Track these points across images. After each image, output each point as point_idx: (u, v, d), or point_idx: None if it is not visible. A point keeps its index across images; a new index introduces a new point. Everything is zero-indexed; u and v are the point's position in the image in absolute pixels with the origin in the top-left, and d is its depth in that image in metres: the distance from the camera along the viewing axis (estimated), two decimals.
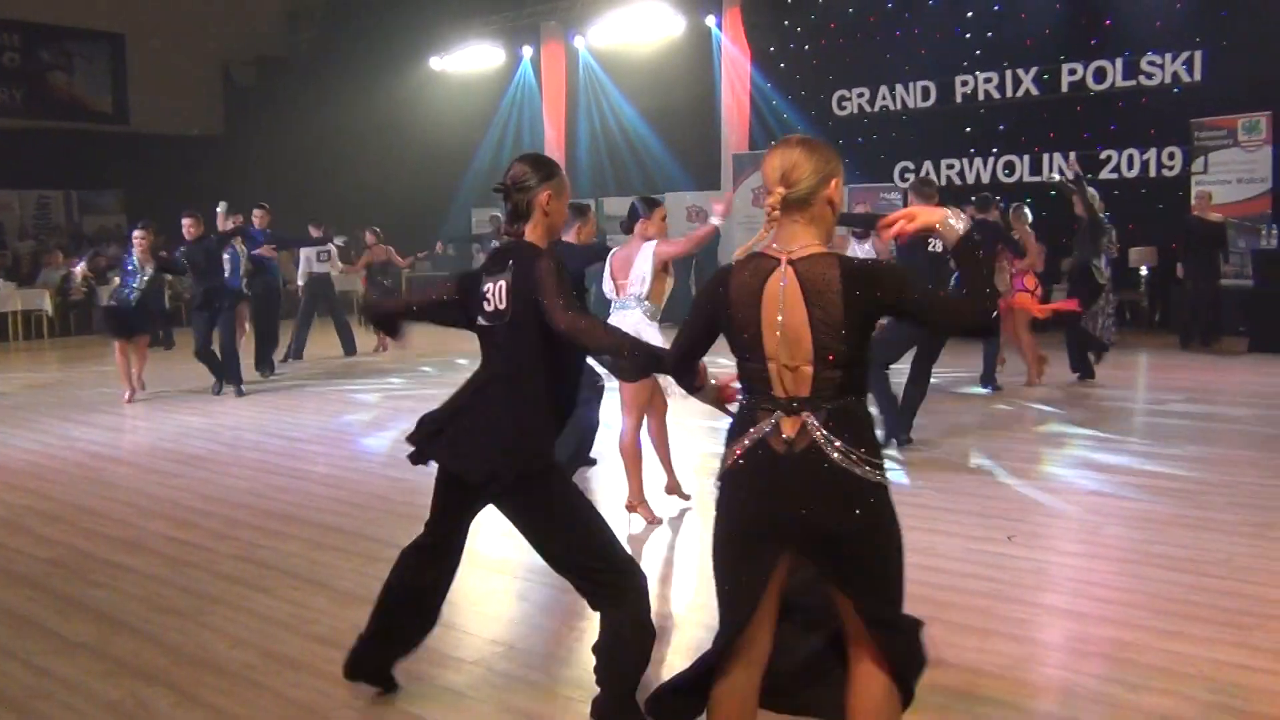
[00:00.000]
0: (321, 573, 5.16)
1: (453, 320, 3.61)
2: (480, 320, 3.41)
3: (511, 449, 3.28)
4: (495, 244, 3.33)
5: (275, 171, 20.21)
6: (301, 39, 25.16)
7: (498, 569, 5.14)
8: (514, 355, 3.34)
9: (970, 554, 5.13)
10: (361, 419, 9.53)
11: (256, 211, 12.44)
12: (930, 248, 7.43)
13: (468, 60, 21.73)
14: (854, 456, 2.55)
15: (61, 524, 6.20)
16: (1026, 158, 15.81)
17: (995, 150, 16.08)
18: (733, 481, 2.67)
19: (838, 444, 2.55)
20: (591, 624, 4.34)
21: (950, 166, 16.39)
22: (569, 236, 6.09)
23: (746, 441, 2.64)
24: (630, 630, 3.30)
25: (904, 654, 2.70)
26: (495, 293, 3.33)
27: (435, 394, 10.56)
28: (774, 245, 2.67)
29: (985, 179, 16.02)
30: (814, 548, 2.61)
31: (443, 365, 12.87)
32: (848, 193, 16.46)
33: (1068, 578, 4.88)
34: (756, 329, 2.62)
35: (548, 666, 4.04)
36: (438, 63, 22.00)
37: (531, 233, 3.37)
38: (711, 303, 2.76)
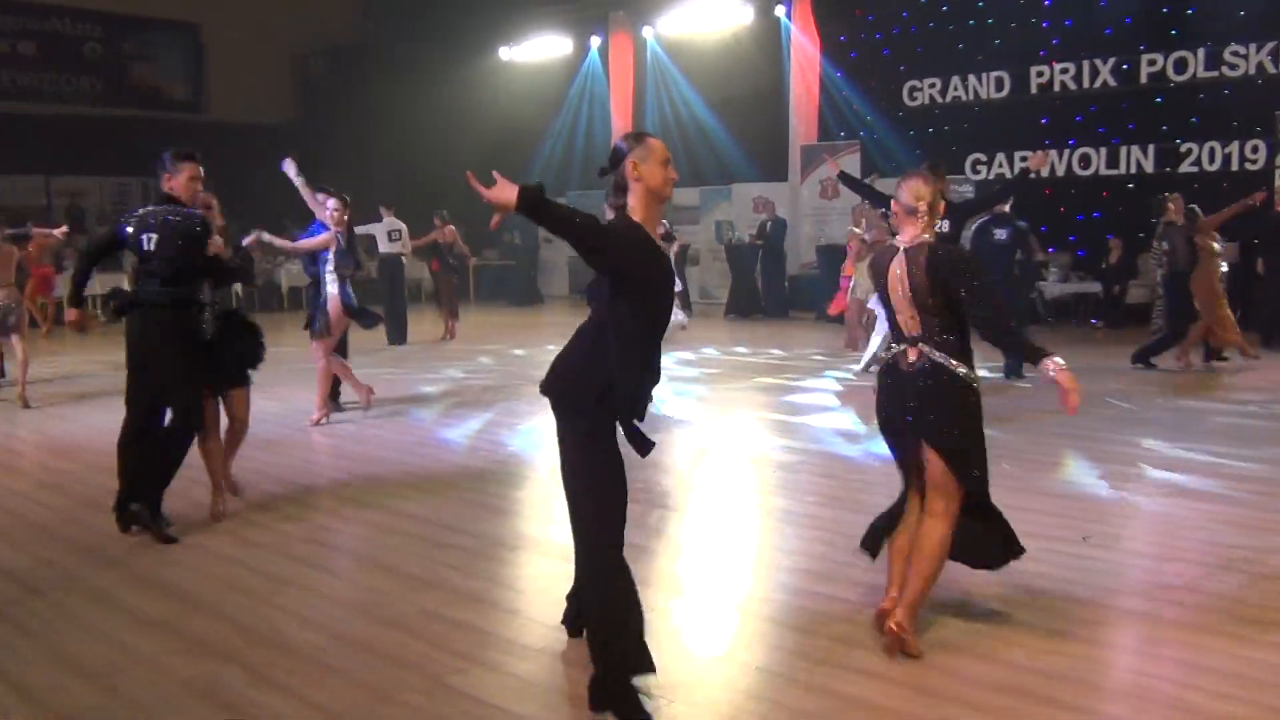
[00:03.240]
0: (389, 557, 5.23)
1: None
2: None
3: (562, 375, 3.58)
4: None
5: (347, 159, 20.44)
6: (372, 29, 25.44)
7: (564, 556, 5.12)
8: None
9: (1045, 553, 5.03)
10: (429, 406, 9.64)
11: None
12: (995, 237, 7.45)
13: (536, 50, 21.84)
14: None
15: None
16: (1103, 150, 15.49)
17: (1071, 142, 15.78)
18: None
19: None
20: (658, 614, 4.35)
21: (1024, 158, 16.07)
22: None
23: None
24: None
25: None
26: None
27: (502, 382, 10.70)
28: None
29: (1060, 172, 15.74)
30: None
31: (501, 356, 12.97)
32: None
33: (1143, 580, 4.78)
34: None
35: None
36: (507, 52, 22.14)
37: (632, 200, 3.50)
38: None
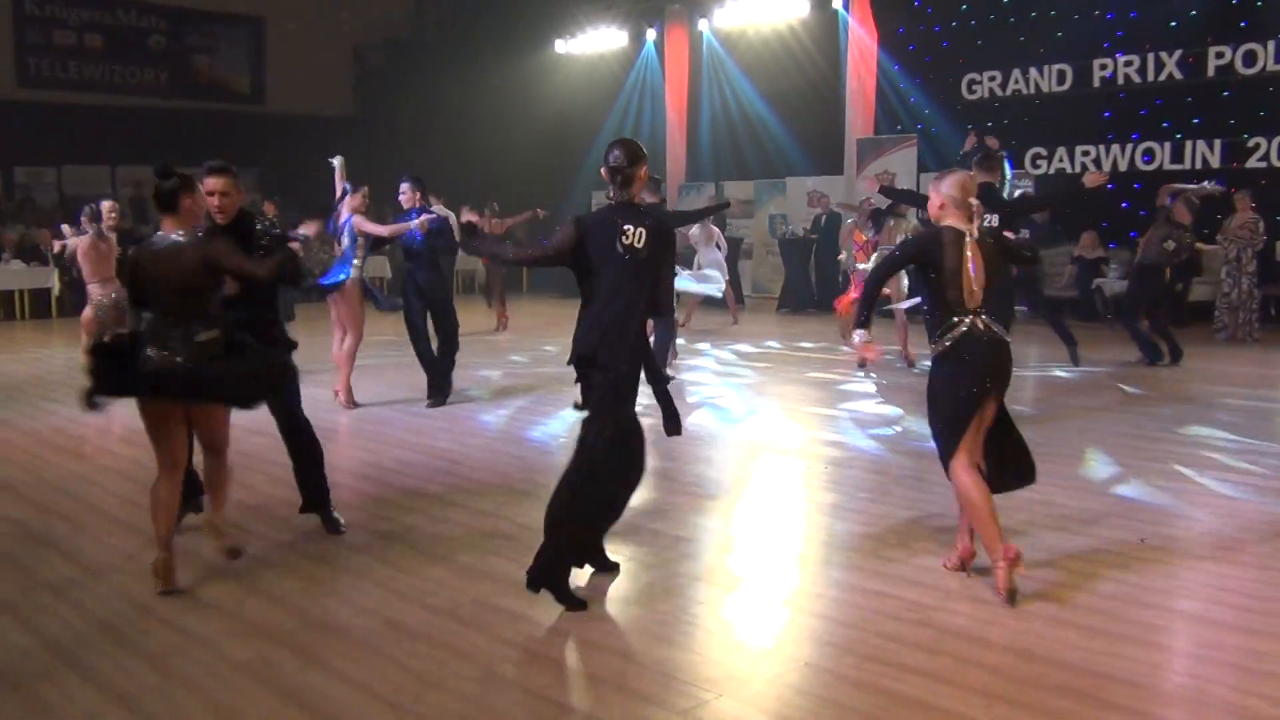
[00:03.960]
0: (441, 546, 5.27)
1: (559, 264, 4.70)
2: (616, 249, 4.46)
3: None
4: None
5: (404, 151, 20.64)
6: (429, 22, 25.62)
7: (615, 549, 5.12)
8: (644, 282, 4.54)
9: (1100, 555, 4.97)
10: (482, 396, 9.70)
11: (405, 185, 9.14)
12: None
13: (592, 43, 21.85)
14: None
15: None
16: (1168, 145, 15.17)
17: (1135, 137, 15.47)
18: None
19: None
20: (707, 607, 4.34)
21: (1086, 153, 15.85)
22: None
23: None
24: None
25: None
26: (636, 236, 4.47)
27: (556, 372, 10.74)
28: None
29: (1123, 166, 15.45)
30: None
31: (563, 345, 13.00)
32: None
33: (1202, 584, 4.68)
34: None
35: (665, 653, 4.05)
36: (562, 45, 22.18)
37: (634, 195, 4.63)
38: None
